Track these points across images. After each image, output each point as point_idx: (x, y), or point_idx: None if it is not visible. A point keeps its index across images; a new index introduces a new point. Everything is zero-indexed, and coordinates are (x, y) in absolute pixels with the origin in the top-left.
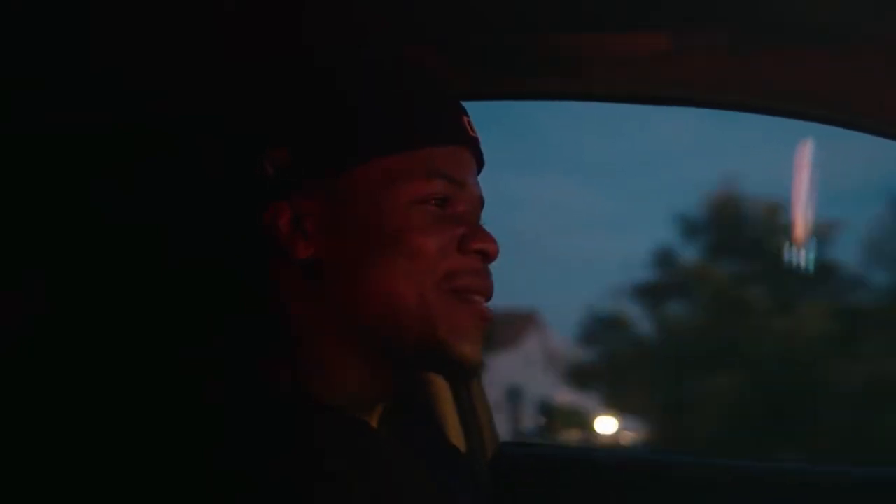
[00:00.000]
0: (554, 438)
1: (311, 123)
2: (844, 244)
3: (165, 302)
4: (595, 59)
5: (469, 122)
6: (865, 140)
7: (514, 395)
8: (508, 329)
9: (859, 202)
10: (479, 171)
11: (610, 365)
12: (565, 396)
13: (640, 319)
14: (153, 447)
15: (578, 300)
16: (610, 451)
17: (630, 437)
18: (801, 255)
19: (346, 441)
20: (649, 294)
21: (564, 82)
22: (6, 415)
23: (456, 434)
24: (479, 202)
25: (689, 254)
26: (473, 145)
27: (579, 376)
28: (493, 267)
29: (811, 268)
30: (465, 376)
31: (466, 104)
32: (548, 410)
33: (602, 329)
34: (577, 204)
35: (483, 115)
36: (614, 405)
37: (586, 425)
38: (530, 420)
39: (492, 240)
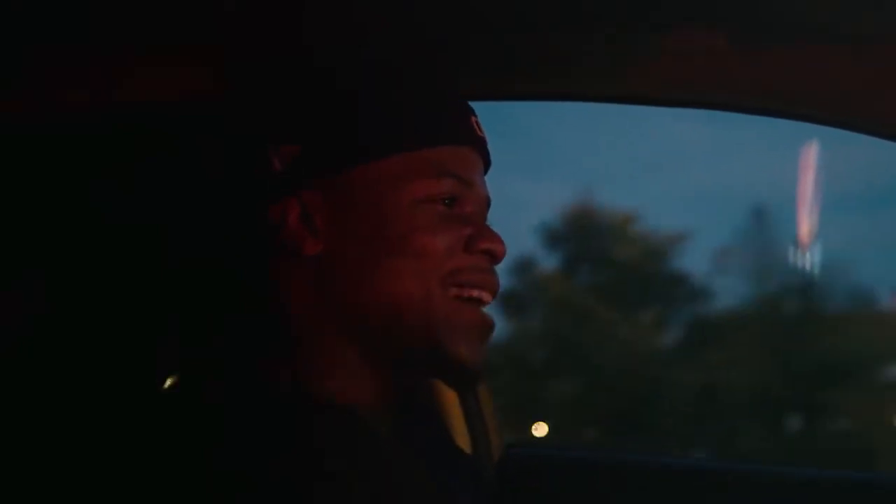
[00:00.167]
0: None
1: (321, 120)
2: (693, 254)
3: (166, 302)
4: (594, 59)
5: (477, 122)
6: (871, 142)
7: None
8: None
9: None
10: (485, 171)
11: None
12: None
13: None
14: (153, 447)
15: None
16: (617, 453)
17: None
18: (805, 257)
19: (346, 441)
20: (506, 302)
21: (564, 83)
22: (6, 415)
23: (462, 437)
24: (486, 202)
25: (549, 263)
26: (481, 145)
27: None
28: None
29: (816, 270)
30: (465, 380)
31: None
32: None
33: None
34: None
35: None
36: None
37: None
38: None
39: (499, 240)
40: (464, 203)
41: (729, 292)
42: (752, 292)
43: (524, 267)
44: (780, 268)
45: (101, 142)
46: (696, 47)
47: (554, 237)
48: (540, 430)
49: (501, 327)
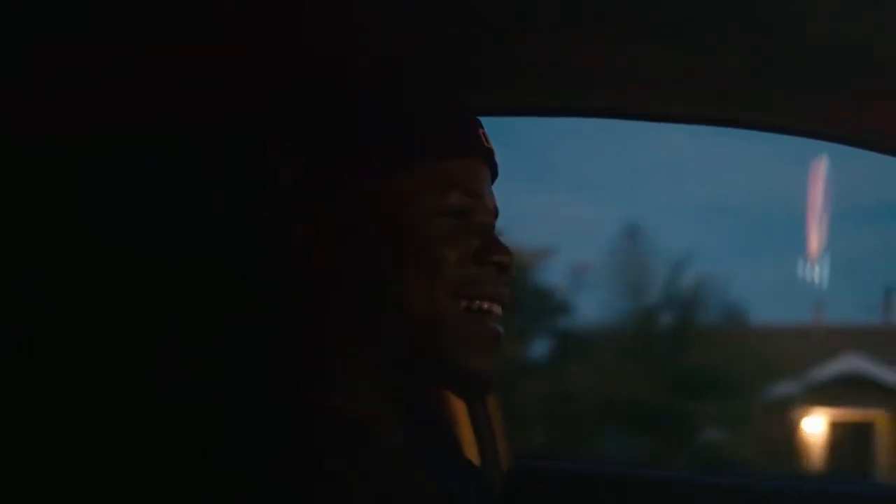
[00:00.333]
0: None
1: (330, 135)
2: (554, 270)
3: (166, 302)
4: (600, 75)
5: (484, 134)
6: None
7: None
8: None
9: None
10: (493, 182)
11: None
12: None
13: None
14: (154, 447)
15: None
16: (626, 466)
17: None
18: (814, 269)
19: (345, 441)
20: None
21: (571, 99)
22: (6, 415)
23: (470, 447)
24: (494, 213)
25: None
26: (488, 156)
27: None
28: None
29: (822, 282)
30: (475, 391)
31: None
32: None
33: None
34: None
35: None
36: None
37: None
38: None
39: (508, 251)
40: (473, 215)
41: (600, 307)
42: (625, 307)
43: None
44: (653, 284)
45: (102, 142)
46: (704, 64)
47: None
48: None
49: None
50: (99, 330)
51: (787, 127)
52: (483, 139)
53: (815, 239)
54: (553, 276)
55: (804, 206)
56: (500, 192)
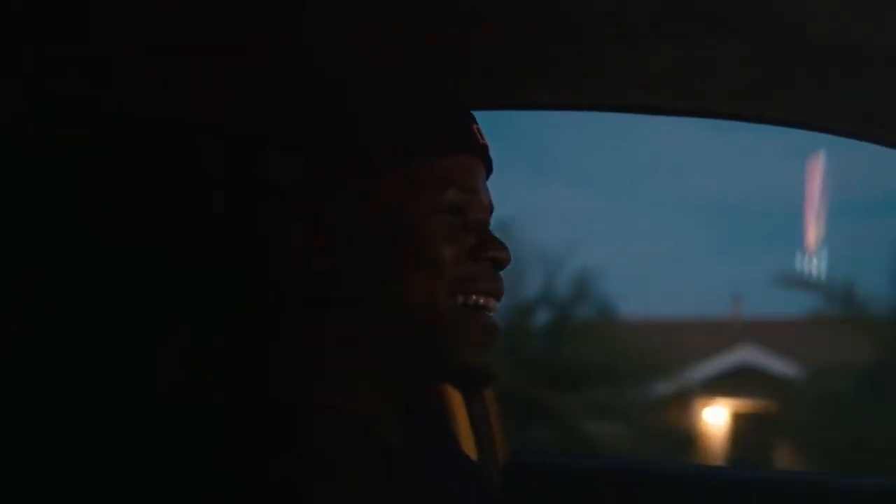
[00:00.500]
0: None
1: (329, 135)
2: None
3: (166, 302)
4: (601, 73)
5: (478, 129)
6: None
7: None
8: None
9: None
10: (487, 178)
11: None
12: None
13: None
14: (154, 447)
15: None
16: (623, 460)
17: None
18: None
19: (345, 441)
20: None
21: (572, 93)
22: (6, 415)
23: (468, 443)
24: (490, 209)
25: None
26: (483, 153)
27: None
28: None
29: (822, 275)
30: (475, 386)
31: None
32: None
33: None
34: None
35: (486, 124)
36: None
37: None
38: None
39: (503, 247)
40: (469, 211)
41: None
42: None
43: None
44: (527, 279)
45: (102, 142)
46: (707, 59)
47: None
48: None
49: None
50: (99, 330)
51: (787, 122)
52: (478, 135)
53: (813, 233)
54: None
55: (802, 201)
56: (500, 186)
